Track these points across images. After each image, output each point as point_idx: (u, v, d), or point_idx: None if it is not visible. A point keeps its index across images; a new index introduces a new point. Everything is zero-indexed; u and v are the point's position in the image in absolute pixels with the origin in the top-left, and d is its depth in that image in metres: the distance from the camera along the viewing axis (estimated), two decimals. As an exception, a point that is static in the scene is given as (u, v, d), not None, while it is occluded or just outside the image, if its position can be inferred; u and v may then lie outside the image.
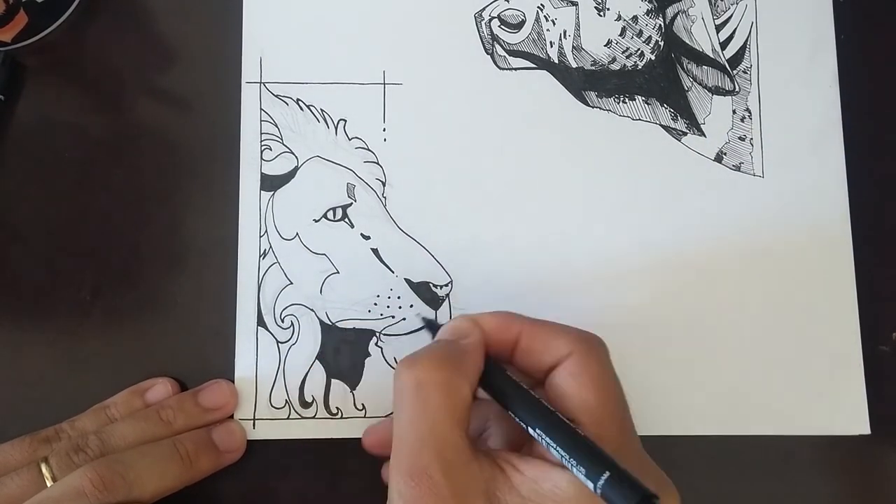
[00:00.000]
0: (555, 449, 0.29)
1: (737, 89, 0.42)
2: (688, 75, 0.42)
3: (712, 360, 0.39)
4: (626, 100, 0.41)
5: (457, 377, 0.30)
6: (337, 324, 0.39)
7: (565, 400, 0.30)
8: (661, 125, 0.41)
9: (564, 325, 0.32)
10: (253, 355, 0.38)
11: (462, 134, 0.41)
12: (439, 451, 0.29)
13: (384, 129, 0.40)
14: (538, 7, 0.42)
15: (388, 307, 0.39)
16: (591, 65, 0.42)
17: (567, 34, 0.42)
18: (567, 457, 0.28)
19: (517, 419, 0.31)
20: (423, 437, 0.29)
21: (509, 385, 0.31)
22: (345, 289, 0.39)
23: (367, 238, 0.40)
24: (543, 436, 0.29)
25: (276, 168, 0.40)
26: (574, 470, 0.28)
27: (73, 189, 0.40)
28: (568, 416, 0.30)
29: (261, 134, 0.40)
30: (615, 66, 0.42)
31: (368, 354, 0.39)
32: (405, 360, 0.31)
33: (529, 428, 0.30)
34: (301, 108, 0.40)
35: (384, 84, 0.41)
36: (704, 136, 0.41)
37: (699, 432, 0.39)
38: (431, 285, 0.39)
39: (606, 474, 0.27)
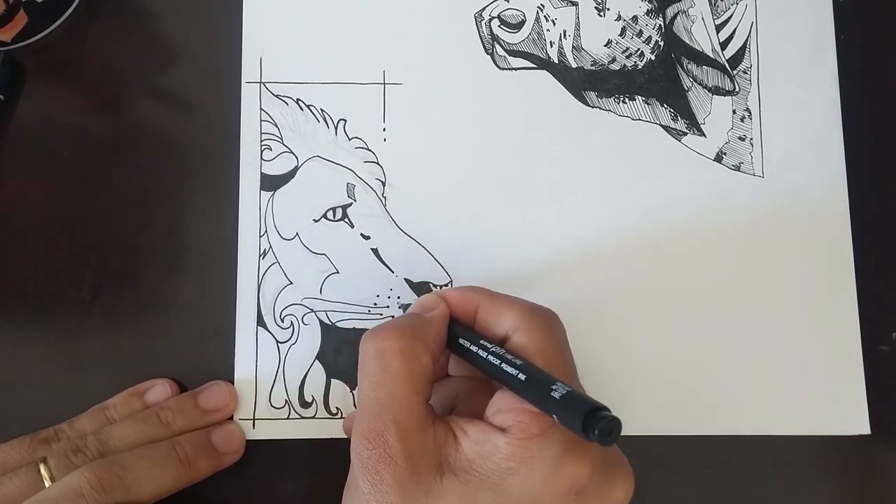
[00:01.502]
0: (508, 385, 0.30)
1: (737, 89, 0.42)
2: (688, 75, 0.42)
3: (712, 360, 0.39)
4: (626, 100, 0.41)
5: (417, 346, 0.31)
6: (337, 324, 0.39)
7: None
8: (661, 125, 0.41)
9: (516, 299, 0.33)
10: (253, 355, 0.38)
11: (462, 134, 0.41)
12: (396, 415, 0.30)
13: (384, 129, 0.40)
14: (538, 7, 0.42)
15: (387, 307, 0.39)
16: (591, 65, 0.42)
17: (567, 34, 0.42)
18: (519, 390, 0.30)
19: (477, 367, 0.32)
20: (382, 402, 0.30)
21: (467, 339, 0.33)
22: (345, 289, 0.39)
23: (367, 238, 0.40)
24: (496, 375, 0.31)
25: (276, 168, 0.40)
26: (528, 402, 0.29)
27: (73, 189, 0.40)
28: None
29: (261, 134, 0.40)
30: (615, 66, 0.42)
31: (368, 354, 0.39)
32: (370, 330, 0.32)
33: (486, 372, 0.32)
34: (301, 108, 0.40)
35: (384, 84, 0.41)
36: (704, 136, 0.41)
37: (699, 432, 0.39)
38: (431, 285, 0.39)
39: (558, 393, 0.28)
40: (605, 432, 0.26)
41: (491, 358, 0.31)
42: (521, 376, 0.29)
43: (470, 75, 0.41)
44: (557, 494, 0.29)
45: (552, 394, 0.28)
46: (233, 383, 0.38)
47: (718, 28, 0.42)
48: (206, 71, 0.41)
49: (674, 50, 0.42)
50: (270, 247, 0.39)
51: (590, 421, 0.26)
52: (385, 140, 0.40)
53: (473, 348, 0.32)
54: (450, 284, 0.39)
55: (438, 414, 0.32)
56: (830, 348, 0.40)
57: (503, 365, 0.30)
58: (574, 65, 0.42)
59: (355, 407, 0.38)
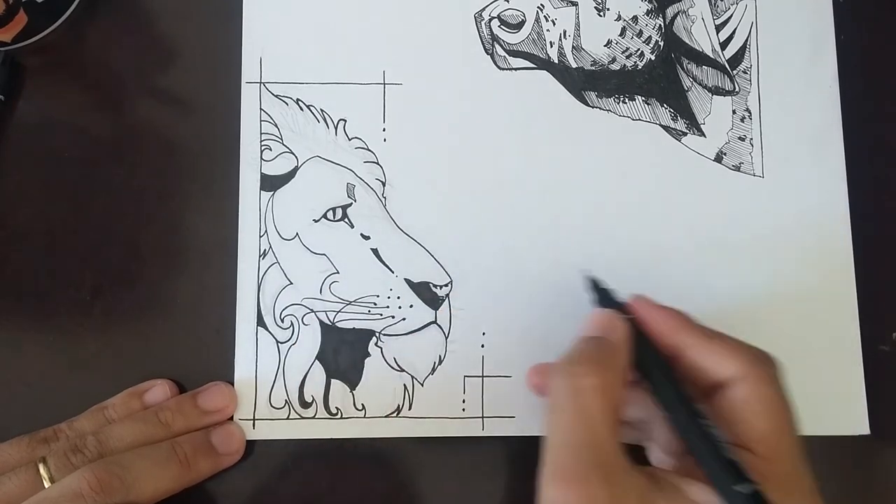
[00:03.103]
0: (691, 447, 0.29)
1: (737, 89, 0.42)
2: (688, 75, 0.42)
3: (712, 361, 0.39)
4: (626, 100, 0.41)
5: (613, 381, 0.29)
6: (337, 324, 0.39)
7: (735, 426, 0.29)
8: (661, 125, 0.41)
9: (735, 342, 0.31)
10: (253, 355, 0.38)
11: (462, 134, 0.41)
12: (598, 457, 0.28)
13: (384, 129, 0.40)
14: (538, 7, 0.42)
15: (387, 307, 0.39)
16: (591, 65, 0.42)
17: (567, 34, 0.42)
18: (701, 459, 0.28)
19: (672, 424, 0.30)
20: (582, 443, 0.28)
21: (662, 374, 0.31)
22: (345, 289, 0.39)
23: (367, 238, 0.40)
24: (698, 453, 0.29)
25: (276, 168, 0.40)
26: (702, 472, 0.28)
27: (73, 189, 0.40)
28: (737, 445, 0.29)
29: (261, 134, 0.40)
30: (615, 66, 0.42)
31: (368, 354, 0.39)
32: (561, 363, 0.30)
33: (687, 442, 0.30)
34: (301, 108, 0.40)
35: (384, 84, 0.41)
36: (704, 136, 0.41)
37: (699, 432, 0.39)
38: (431, 285, 0.39)
39: (745, 489, 0.26)
40: None
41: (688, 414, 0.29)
42: (713, 451, 0.28)
43: (470, 75, 0.41)
44: None
45: (736, 487, 0.27)
46: (233, 383, 0.38)
47: (718, 28, 0.42)
48: (206, 71, 0.41)
49: (674, 50, 0.42)
50: (270, 247, 0.39)
51: None
52: (385, 140, 0.40)
53: (671, 394, 0.30)
54: (450, 285, 0.39)
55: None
56: (830, 348, 0.40)
57: (708, 428, 0.28)
58: (574, 65, 0.42)
59: (355, 408, 0.38)
